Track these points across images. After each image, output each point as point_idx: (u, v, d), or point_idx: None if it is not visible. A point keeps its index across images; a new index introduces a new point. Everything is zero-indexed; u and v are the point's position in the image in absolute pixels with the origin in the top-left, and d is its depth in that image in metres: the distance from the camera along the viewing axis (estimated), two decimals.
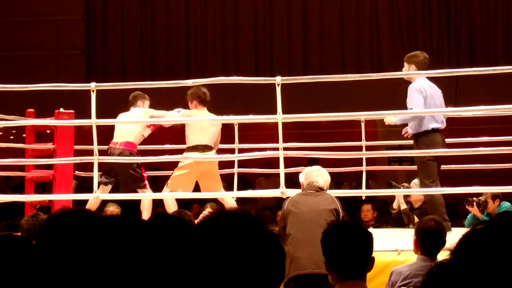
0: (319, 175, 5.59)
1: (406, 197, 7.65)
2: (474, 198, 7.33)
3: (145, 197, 7.26)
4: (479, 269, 1.18)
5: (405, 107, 6.68)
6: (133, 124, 7.45)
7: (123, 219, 1.56)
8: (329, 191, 5.66)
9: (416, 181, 7.60)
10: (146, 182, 7.37)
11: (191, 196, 7.22)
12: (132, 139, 7.37)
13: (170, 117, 7.33)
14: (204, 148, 7.10)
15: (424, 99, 6.52)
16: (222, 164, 8.10)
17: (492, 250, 1.20)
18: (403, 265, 4.48)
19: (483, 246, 1.21)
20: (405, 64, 6.75)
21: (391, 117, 6.70)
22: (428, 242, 4.30)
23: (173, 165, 7.34)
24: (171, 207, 7.02)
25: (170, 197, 7.10)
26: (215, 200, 7.50)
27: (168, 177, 7.30)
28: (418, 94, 6.52)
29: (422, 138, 6.56)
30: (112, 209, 7.53)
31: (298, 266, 5.17)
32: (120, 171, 7.28)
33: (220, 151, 7.54)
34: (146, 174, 7.49)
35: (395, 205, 7.72)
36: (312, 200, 5.41)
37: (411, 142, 8.24)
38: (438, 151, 6.44)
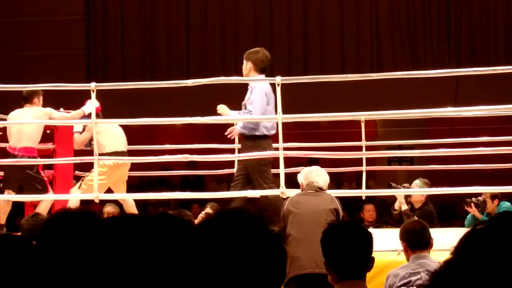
0: (319, 175, 5.59)
1: (407, 197, 7.63)
2: (473, 199, 7.32)
3: (146, 197, 7.25)
4: (485, 268, 1.19)
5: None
6: (33, 128, 7.16)
7: (124, 219, 1.56)
8: (328, 191, 5.66)
9: (417, 181, 7.58)
10: (48, 185, 7.20)
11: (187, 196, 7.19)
12: (31, 144, 7.15)
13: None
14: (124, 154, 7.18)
15: (268, 102, 6.37)
16: (222, 164, 8.10)
17: (498, 249, 1.20)
18: (398, 267, 4.52)
19: (488, 244, 1.22)
20: (244, 60, 6.63)
21: (226, 109, 6.55)
22: (415, 241, 4.40)
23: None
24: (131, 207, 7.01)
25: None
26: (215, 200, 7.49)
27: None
28: (264, 95, 6.35)
29: (260, 141, 6.35)
30: (109, 209, 7.52)
31: (298, 266, 5.17)
32: (21, 176, 7.10)
33: (220, 151, 7.54)
34: (147, 174, 7.48)
35: (396, 206, 7.69)
36: (312, 200, 5.41)
37: (411, 142, 8.24)
38: (438, 151, 6.42)
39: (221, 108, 6.56)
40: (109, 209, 7.52)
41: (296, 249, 5.19)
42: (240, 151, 6.69)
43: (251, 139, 6.41)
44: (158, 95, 11.86)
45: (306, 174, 5.63)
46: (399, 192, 7.45)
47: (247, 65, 6.58)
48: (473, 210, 7.33)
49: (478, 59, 13.96)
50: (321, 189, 5.53)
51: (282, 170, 5.96)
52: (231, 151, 7.61)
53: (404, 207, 7.54)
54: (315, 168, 5.70)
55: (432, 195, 7.99)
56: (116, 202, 7.72)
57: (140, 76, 14.16)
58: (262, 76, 6.50)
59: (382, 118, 11.16)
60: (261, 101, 6.35)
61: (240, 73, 6.74)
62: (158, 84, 7.43)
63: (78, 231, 1.77)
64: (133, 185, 13.82)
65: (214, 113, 7.10)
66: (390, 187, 7.43)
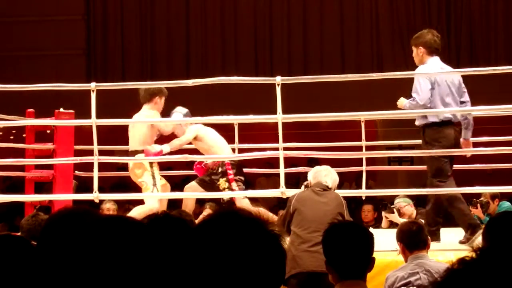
0: (328, 175, 5.59)
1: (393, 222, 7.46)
2: (478, 199, 7.30)
3: (149, 196, 7.22)
4: (504, 266, 1.19)
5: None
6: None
7: (125, 219, 1.56)
8: None
9: (399, 200, 7.47)
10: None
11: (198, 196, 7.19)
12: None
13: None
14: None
15: (432, 85, 6.02)
16: None
17: None
18: (397, 269, 4.54)
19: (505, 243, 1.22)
20: (413, 48, 6.24)
21: (404, 100, 6.12)
22: (412, 242, 4.43)
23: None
24: None
25: None
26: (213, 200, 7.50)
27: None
28: (423, 79, 5.98)
29: (429, 130, 6.07)
30: (109, 206, 7.49)
31: (299, 264, 5.18)
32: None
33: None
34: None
35: (383, 225, 7.60)
36: (318, 200, 5.41)
37: (411, 142, 8.23)
38: (438, 151, 6.37)
39: (399, 101, 6.14)
40: (108, 206, 7.49)
41: (298, 247, 5.20)
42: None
43: (429, 129, 6.06)
44: None
45: (315, 173, 5.64)
46: (393, 217, 7.31)
47: (418, 52, 6.13)
48: (478, 211, 7.30)
49: (478, 59, 13.96)
50: (328, 188, 5.53)
51: (282, 170, 5.96)
52: (231, 151, 7.61)
53: (401, 220, 7.36)
54: (324, 168, 5.69)
55: None
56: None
57: (140, 76, 14.16)
58: (436, 58, 6.16)
59: (382, 118, 11.15)
60: (423, 85, 5.94)
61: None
62: (158, 84, 7.41)
63: (79, 231, 1.77)
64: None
65: (214, 113, 7.10)
66: (385, 207, 7.31)
